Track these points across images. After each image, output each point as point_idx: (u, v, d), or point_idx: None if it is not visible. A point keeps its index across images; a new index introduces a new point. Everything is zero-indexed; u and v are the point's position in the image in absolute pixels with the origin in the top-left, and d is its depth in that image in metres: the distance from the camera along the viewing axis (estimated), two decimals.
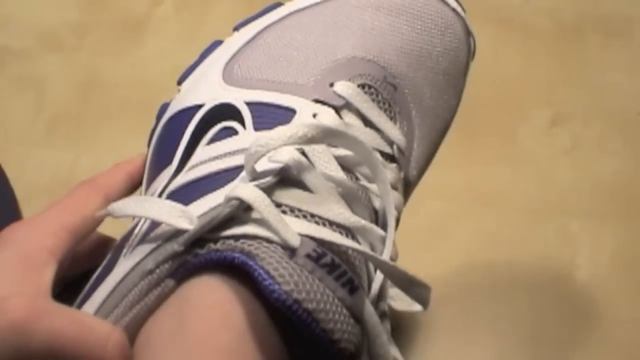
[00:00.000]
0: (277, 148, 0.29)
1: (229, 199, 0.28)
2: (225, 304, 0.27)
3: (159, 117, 0.38)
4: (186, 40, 0.62)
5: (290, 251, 0.28)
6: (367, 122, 0.35)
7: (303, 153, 0.31)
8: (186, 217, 0.29)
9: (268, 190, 0.29)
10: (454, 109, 0.41)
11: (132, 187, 0.36)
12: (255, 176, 0.30)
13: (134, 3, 0.64)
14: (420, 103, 0.38)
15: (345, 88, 0.34)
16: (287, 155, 0.30)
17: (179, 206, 0.29)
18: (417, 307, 0.33)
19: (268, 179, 0.30)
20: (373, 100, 0.35)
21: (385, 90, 0.36)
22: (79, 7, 0.64)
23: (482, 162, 0.57)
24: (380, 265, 0.30)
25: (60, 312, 0.28)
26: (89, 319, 0.29)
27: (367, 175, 0.33)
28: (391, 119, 0.36)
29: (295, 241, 0.28)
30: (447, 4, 0.38)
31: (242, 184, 0.29)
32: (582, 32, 0.62)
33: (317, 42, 0.36)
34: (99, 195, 0.34)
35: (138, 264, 0.29)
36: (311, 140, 0.29)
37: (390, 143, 0.35)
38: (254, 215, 0.28)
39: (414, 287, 0.31)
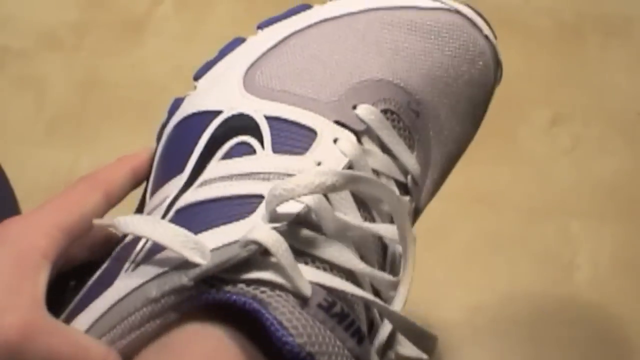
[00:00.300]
0: (302, 195, 0.28)
1: (246, 242, 0.27)
2: (222, 350, 0.27)
3: (171, 112, 0.36)
4: (186, 40, 0.62)
5: (302, 301, 0.27)
6: (385, 149, 0.34)
7: (326, 196, 0.30)
8: (199, 250, 0.28)
9: (285, 233, 0.28)
10: (471, 137, 0.40)
11: (135, 184, 0.34)
12: (274, 217, 0.29)
13: (134, 3, 0.64)
14: (441, 130, 0.37)
15: (368, 113, 0.33)
16: (311, 200, 0.29)
17: (192, 237, 0.28)
18: (423, 356, 0.33)
19: (286, 222, 0.29)
20: (394, 127, 0.34)
21: (407, 117, 0.35)
22: (79, 7, 0.64)
23: (482, 162, 0.57)
24: (390, 315, 0.30)
25: (56, 331, 0.28)
26: (85, 340, 0.29)
27: (384, 212, 0.33)
28: (409, 147, 0.35)
29: (307, 290, 0.27)
30: (481, 30, 0.38)
31: (260, 225, 0.28)
32: (582, 32, 0.62)
33: (344, 58, 0.34)
34: (98, 192, 0.32)
35: (141, 286, 0.29)
36: (337, 188, 0.28)
37: (405, 172, 0.35)
38: (270, 259, 0.28)
39: (422, 339, 0.31)
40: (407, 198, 0.35)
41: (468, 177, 0.56)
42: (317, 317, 0.27)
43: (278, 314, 0.26)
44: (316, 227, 0.30)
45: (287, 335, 0.26)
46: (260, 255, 0.28)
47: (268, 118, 0.32)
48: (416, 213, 0.37)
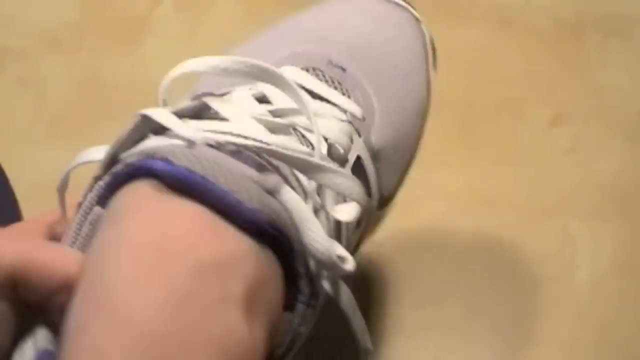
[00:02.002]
0: (194, 70, 0.30)
1: (133, 117, 0.30)
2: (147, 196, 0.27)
3: None
4: (186, 40, 0.62)
5: (190, 143, 0.28)
6: (316, 96, 0.34)
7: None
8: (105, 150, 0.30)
9: (180, 115, 0.30)
10: (422, 94, 0.41)
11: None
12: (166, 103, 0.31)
13: (134, 3, 0.64)
14: (378, 84, 0.38)
15: (287, 71, 0.34)
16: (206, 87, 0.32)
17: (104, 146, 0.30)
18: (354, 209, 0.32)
19: (182, 105, 0.31)
20: (320, 79, 0.35)
21: (332, 71, 0.36)
22: (79, 7, 0.64)
23: (482, 162, 0.57)
24: (296, 161, 0.29)
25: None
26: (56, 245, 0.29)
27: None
28: (343, 94, 0.36)
29: (197, 135, 0.28)
30: (410, 14, 0.40)
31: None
32: (582, 32, 0.62)
33: (264, 44, 0.37)
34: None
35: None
36: (232, 73, 0.30)
37: (344, 111, 0.35)
38: (165, 133, 0.29)
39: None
40: (345, 123, 0.35)
41: (468, 177, 0.56)
42: (207, 152, 0.27)
43: (163, 153, 0.27)
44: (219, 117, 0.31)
45: (167, 164, 0.26)
46: (155, 135, 0.30)
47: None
48: (372, 151, 0.37)
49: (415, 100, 0.40)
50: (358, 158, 0.35)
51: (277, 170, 0.29)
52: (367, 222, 0.38)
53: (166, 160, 0.26)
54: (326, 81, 0.36)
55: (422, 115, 0.41)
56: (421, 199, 0.56)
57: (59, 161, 0.58)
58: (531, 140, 0.58)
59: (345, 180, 0.30)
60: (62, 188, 0.33)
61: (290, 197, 0.28)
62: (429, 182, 0.56)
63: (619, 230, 0.54)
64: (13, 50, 0.62)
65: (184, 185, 0.26)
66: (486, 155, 0.57)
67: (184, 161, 0.26)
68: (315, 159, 0.29)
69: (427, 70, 0.41)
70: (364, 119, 0.36)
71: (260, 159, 0.29)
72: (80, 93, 0.60)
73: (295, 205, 0.28)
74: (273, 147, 0.29)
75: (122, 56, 0.62)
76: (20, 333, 0.27)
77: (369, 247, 0.54)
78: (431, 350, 0.51)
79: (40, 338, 0.26)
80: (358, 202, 0.32)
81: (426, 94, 0.41)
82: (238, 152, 0.28)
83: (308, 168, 0.29)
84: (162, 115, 0.30)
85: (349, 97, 0.36)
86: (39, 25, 0.63)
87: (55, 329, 0.26)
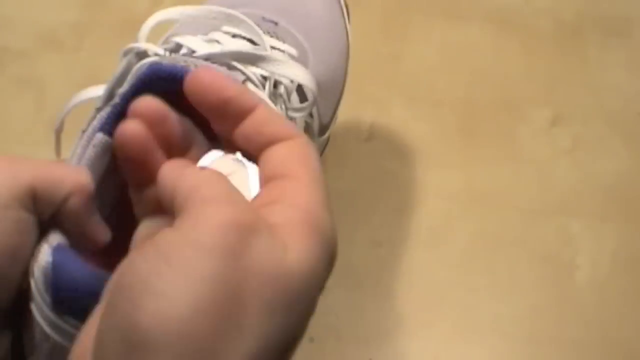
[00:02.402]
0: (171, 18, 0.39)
1: (124, 53, 0.36)
2: None
3: None
4: None
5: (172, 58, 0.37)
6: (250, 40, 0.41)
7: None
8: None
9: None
10: (344, 39, 0.50)
11: None
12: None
13: (134, 3, 0.64)
14: (306, 32, 0.46)
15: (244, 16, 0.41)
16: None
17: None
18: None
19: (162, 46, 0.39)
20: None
21: (266, 25, 0.44)
22: (79, 7, 0.64)
23: (482, 162, 0.57)
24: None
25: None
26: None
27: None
28: (278, 40, 0.44)
29: (177, 58, 0.36)
30: None
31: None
32: (582, 32, 0.62)
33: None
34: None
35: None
36: (203, 19, 0.39)
37: (282, 51, 0.43)
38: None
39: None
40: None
41: (468, 177, 0.56)
42: (186, 58, 0.36)
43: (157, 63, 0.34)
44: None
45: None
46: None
47: None
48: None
49: (339, 44, 0.49)
50: (300, 86, 0.42)
51: (240, 71, 0.37)
52: None
53: (158, 63, 0.34)
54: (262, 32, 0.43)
55: (346, 57, 0.50)
56: (421, 199, 0.56)
57: None
58: (531, 140, 0.58)
59: (292, 67, 0.39)
60: (60, 128, 0.40)
61: (252, 88, 0.37)
62: (429, 182, 0.56)
63: (619, 230, 0.54)
64: (13, 50, 0.62)
65: (171, 75, 0.32)
66: (486, 155, 0.57)
67: (170, 61, 0.34)
68: (266, 53, 0.38)
69: (345, 20, 0.50)
70: (299, 57, 0.44)
71: (228, 64, 0.37)
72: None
73: (257, 94, 0.36)
74: (233, 49, 0.37)
75: None
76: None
77: (369, 247, 0.54)
78: (431, 350, 0.51)
79: (52, 238, 0.31)
80: (309, 87, 0.41)
81: (346, 39, 0.50)
82: (208, 59, 0.36)
83: (259, 60, 0.38)
84: (150, 46, 0.37)
85: (283, 42, 0.44)
86: (39, 25, 0.63)
87: (66, 235, 0.31)
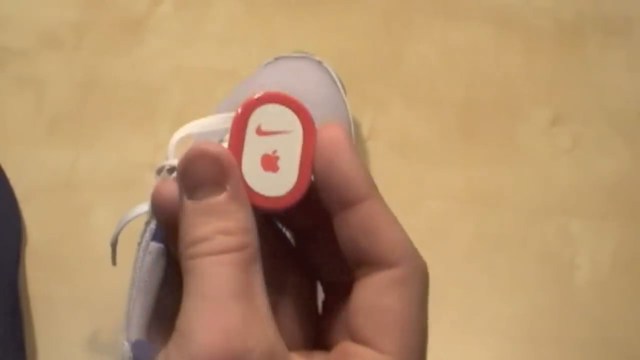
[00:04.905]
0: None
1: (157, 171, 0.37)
2: None
3: None
4: (186, 40, 0.62)
5: None
6: None
7: None
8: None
9: None
10: (344, 109, 0.54)
11: None
12: None
13: (134, 3, 0.64)
14: (311, 113, 0.49)
15: None
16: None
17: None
18: None
19: None
20: None
21: None
22: (79, 7, 0.64)
23: (482, 162, 0.57)
24: None
25: None
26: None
27: None
28: None
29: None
30: (311, 59, 0.54)
31: None
32: (582, 32, 0.62)
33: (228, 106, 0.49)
34: None
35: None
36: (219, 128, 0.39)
37: None
38: None
39: None
40: None
41: (468, 177, 0.56)
42: None
43: None
44: None
45: None
46: None
47: None
48: None
49: (341, 113, 0.53)
50: None
51: None
52: None
53: None
54: None
55: (349, 122, 0.53)
56: (421, 199, 0.56)
57: (59, 161, 0.58)
58: (531, 140, 0.58)
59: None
60: (114, 242, 0.41)
61: None
62: (429, 182, 0.56)
63: (619, 230, 0.54)
64: (13, 50, 0.62)
65: None
66: (486, 155, 0.57)
67: None
68: None
69: (341, 92, 0.54)
70: None
71: None
72: (80, 93, 0.60)
73: None
74: None
75: (122, 56, 0.62)
76: None
77: None
78: (431, 349, 0.51)
79: (131, 333, 0.35)
80: None
81: (345, 108, 0.53)
82: None
83: None
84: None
85: None
86: (39, 25, 0.63)
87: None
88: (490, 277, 0.53)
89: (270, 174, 0.28)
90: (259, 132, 0.29)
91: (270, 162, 0.29)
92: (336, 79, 0.54)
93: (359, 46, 0.62)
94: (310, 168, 0.28)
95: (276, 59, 0.55)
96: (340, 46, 0.61)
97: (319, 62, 0.55)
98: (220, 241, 0.25)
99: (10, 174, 0.56)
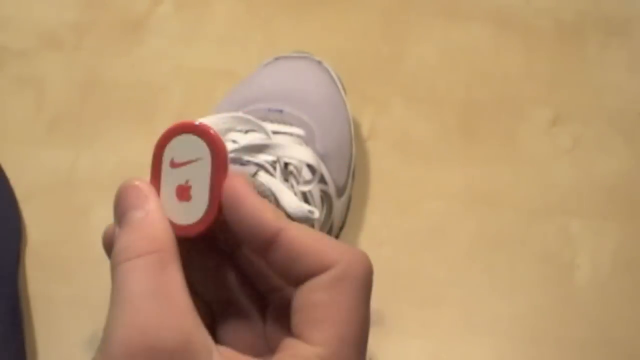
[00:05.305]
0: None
1: None
2: None
3: None
4: (186, 40, 0.62)
5: None
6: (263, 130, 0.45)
7: None
8: None
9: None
10: (343, 107, 0.54)
11: None
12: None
13: (134, 3, 0.64)
14: (310, 112, 0.51)
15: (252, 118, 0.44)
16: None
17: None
18: None
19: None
20: (262, 119, 0.48)
21: (272, 115, 0.50)
22: (79, 7, 0.64)
23: (482, 162, 0.57)
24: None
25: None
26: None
27: None
28: (284, 124, 0.49)
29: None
30: (311, 59, 0.54)
31: None
32: (582, 32, 0.62)
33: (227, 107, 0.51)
34: None
35: None
36: (222, 125, 0.43)
37: (290, 134, 0.49)
38: None
39: None
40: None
41: (468, 177, 0.56)
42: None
43: None
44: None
45: None
46: None
47: None
48: (320, 155, 0.49)
49: (339, 114, 0.53)
50: (309, 166, 0.47)
51: (253, 162, 0.44)
52: (331, 206, 0.50)
53: None
54: (270, 121, 0.49)
55: (348, 123, 0.54)
56: (421, 199, 0.56)
57: (59, 161, 0.58)
58: (531, 139, 0.58)
59: (294, 149, 0.44)
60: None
61: (264, 176, 0.43)
62: (429, 182, 0.56)
63: (619, 230, 0.54)
64: (12, 50, 0.62)
65: None
66: (486, 155, 0.57)
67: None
68: (269, 141, 0.44)
69: (341, 92, 0.54)
70: (306, 135, 0.49)
71: (241, 159, 0.43)
72: (80, 93, 0.60)
73: (269, 180, 0.43)
74: (244, 144, 0.43)
75: (122, 56, 0.62)
76: None
77: (369, 247, 0.53)
78: (431, 350, 0.51)
79: None
80: (312, 165, 0.46)
81: (344, 108, 0.54)
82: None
83: (266, 148, 0.43)
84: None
85: (290, 125, 0.50)
86: (38, 25, 0.63)
87: None
88: (490, 277, 0.53)
89: (184, 204, 0.30)
90: (172, 164, 0.31)
91: (183, 193, 0.31)
92: (336, 79, 0.54)
93: (359, 46, 0.62)
94: (220, 194, 0.30)
95: (276, 59, 0.55)
96: (340, 46, 0.61)
97: (319, 62, 0.54)
98: (135, 247, 0.29)
99: (10, 174, 0.56)
